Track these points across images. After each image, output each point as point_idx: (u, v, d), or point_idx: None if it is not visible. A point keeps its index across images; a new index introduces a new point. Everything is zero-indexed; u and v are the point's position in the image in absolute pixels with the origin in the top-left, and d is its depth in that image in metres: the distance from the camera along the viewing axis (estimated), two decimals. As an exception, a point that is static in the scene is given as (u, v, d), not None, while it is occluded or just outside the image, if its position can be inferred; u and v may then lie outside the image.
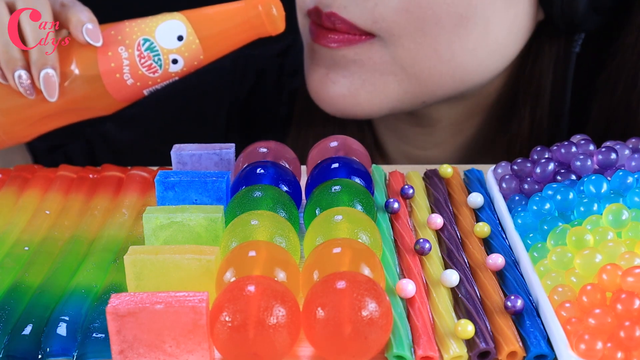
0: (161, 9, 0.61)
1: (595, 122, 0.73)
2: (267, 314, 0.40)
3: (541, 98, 0.72)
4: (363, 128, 0.79)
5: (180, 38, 0.59)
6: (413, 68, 0.66)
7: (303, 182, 0.57)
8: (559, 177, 0.53)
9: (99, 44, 0.58)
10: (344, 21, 0.65)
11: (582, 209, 0.49)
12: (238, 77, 0.85)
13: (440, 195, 0.57)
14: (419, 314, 0.45)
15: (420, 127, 0.77)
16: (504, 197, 0.55)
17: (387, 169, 0.62)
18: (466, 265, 0.49)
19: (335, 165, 0.54)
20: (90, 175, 0.61)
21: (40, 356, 0.43)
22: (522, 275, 0.48)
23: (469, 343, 0.43)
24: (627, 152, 0.54)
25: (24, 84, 0.57)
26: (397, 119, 0.77)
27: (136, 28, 0.59)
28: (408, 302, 0.46)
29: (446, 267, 0.49)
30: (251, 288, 0.41)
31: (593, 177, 0.50)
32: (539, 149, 0.57)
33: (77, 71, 0.59)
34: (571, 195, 0.50)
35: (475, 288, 0.47)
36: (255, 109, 0.85)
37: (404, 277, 0.48)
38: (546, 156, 0.56)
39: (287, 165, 0.56)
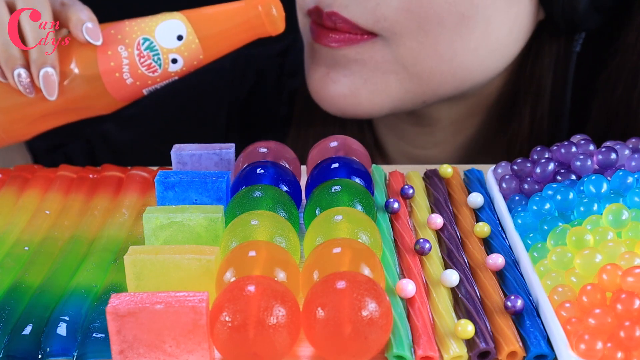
0: (161, 8, 0.61)
1: (595, 122, 0.73)
2: (267, 314, 0.40)
3: (541, 98, 0.72)
4: (363, 128, 0.79)
5: (180, 38, 0.59)
6: (415, 67, 0.66)
7: (303, 182, 0.57)
8: (559, 177, 0.53)
9: (98, 43, 0.58)
10: (345, 21, 0.65)
11: (582, 209, 0.49)
12: (238, 77, 0.85)
13: (440, 195, 0.57)
14: (419, 314, 0.45)
15: (420, 126, 0.77)
16: (504, 197, 0.55)
17: (387, 169, 0.62)
18: (466, 265, 0.49)
19: (335, 165, 0.54)
20: (90, 175, 0.61)
21: (40, 356, 0.43)
22: (522, 275, 0.48)
23: (469, 343, 0.43)
24: (627, 152, 0.54)
25: (24, 82, 0.57)
26: (397, 119, 0.77)
27: (136, 27, 0.59)
28: (408, 302, 0.46)
29: (446, 267, 0.49)
30: (251, 288, 0.41)
31: (593, 177, 0.50)
32: (539, 149, 0.57)
33: (76, 70, 0.59)
34: (571, 195, 0.50)
35: (475, 288, 0.47)
36: (255, 109, 0.85)
37: (404, 277, 0.48)
38: (546, 156, 0.56)
39: (287, 165, 0.56)
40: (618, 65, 0.70)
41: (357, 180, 0.54)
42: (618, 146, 0.55)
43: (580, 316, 0.42)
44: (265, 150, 0.57)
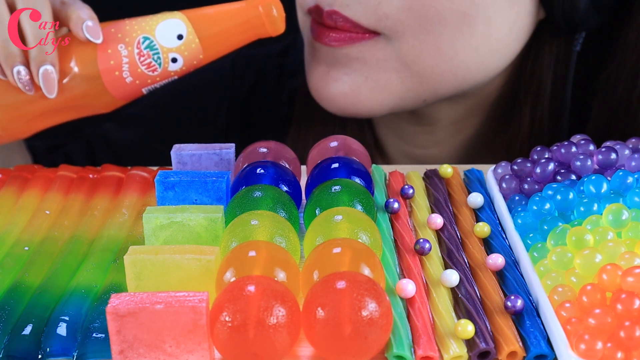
0: (161, 8, 0.61)
1: (595, 122, 0.73)
2: (267, 314, 0.40)
3: (541, 97, 0.72)
4: (363, 128, 0.79)
5: (180, 37, 0.59)
6: (416, 65, 0.66)
7: (303, 182, 0.57)
8: (559, 177, 0.53)
9: (99, 41, 0.58)
10: (346, 19, 0.65)
11: (582, 209, 0.49)
12: (238, 77, 0.85)
13: (440, 195, 0.57)
14: (419, 314, 0.45)
15: (420, 126, 0.77)
16: (504, 197, 0.55)
17: (387, 169, 0.62)
18: (466, 265, 0.49)
19: (335, 165, 0.54)
20: (90, 175, 0.61)
21: (40, 356, 0.43)
22: (522, 275, 0.48)
23: (469, 343, 0.43)
24: (627, 152, 0.54)
25: (23, 79, 0.57)
26: (397, 118, 0.77)
27: (136, 26, 0.59)
28: (408, 302, 0.46)
29: (446, 267, 0.49)
30: (251, 288, 0.41)
31: (593, 177, 0.50)
32: (539, 149, 0.57)
33: (76, 68, 0.59)
34: (571, 195, 0.50)
35: (475, 288, 0.47)
36: (255, 109, 0.85)
37: (404, 277, 0.48)
38: (546, 156, 0.56)
39: (287, 165, 0.56)
40: (618, 65, 0.70)
41: (357, 180, 0.54)
42: (618, 146, 0.55)
43: (580, 316, 0.42)
44: (265, 150, 0.57)
